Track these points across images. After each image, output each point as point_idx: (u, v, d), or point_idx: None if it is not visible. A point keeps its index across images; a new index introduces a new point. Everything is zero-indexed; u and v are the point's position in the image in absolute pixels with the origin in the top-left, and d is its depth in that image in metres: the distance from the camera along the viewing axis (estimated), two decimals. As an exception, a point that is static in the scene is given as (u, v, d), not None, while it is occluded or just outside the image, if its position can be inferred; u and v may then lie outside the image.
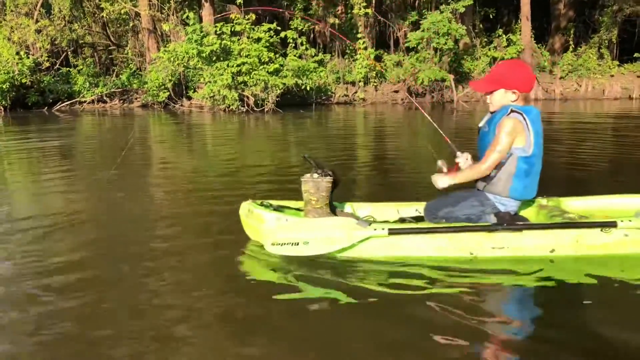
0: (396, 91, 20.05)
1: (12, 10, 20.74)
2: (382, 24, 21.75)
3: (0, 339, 2.41)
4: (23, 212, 4.63)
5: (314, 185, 3.39)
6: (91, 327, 2.47)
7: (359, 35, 20.41)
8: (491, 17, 22.58)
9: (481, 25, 22.59)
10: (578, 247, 3.06)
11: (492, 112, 3.33)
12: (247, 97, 16.63)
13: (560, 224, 3.11)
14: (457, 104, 18.20)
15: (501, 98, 3.26)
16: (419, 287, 2.79)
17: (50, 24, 20.83)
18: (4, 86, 17.92)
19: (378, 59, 20.59)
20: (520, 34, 20.21)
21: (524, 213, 3.45)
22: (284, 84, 16.77)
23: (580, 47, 21.57)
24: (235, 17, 17.97)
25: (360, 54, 19.86)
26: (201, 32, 16.81)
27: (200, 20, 18.63)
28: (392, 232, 3.10)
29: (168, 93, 18.46)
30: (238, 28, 17.48)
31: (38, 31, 20.22)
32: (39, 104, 19.46)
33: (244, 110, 16.58)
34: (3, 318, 2.58)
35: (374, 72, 19.87)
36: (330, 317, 2.55)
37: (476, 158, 3.39)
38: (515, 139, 3.14)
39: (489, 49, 20.48)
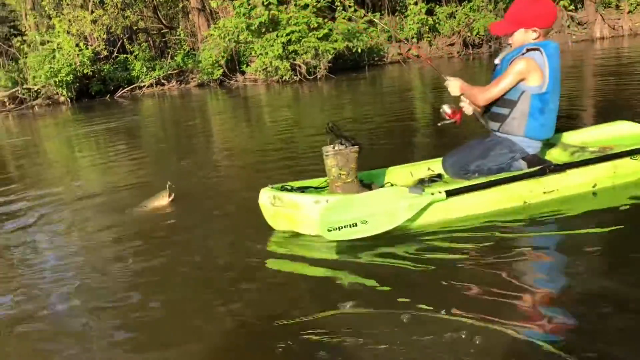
0: (451, 44, 19.40)
1: (68, 4, 21.42)
2: (431, -24, 20.95)
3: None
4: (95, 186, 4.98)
5: (343, 157, 3.07)
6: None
7: (409, -10, 19.78)
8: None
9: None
10: (615, 178, 3.15)
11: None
12: (299, 66, 16.56)
13: (597, 158, 3.12)
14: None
15: (522, 38, 3.14)
16: (483, 251, 2.60)
17: (104, 13, 21.40)
18: (68, 78, 18.66)
19: (430, 12, 19.90)
20: (581, -30, 18.96)
21: (539, 154, 3.34)
22: (335, 48, 16.56)
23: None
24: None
25: (410, 9, 19.28)
26: (249, 4, 16.79)
27: (247, -7, 18.58)
28: (450, 193, 2.92)
29: (222, 70, 18.67)
30: (285, -4, 17.33)
31: (94, 21, 20.82)
32: (102, 92, 20.18)
33: (297, 79, 16.54)
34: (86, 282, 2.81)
35: (427, 27, 19.26)
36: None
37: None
38: (528, 78, 3.05)
39: (548, -10, 19.35)
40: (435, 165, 3.57)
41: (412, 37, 19.59)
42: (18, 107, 19.35)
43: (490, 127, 3.30)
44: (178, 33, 24.16)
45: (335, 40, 16.76)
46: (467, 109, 3.38)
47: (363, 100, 10.70)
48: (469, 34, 18.48)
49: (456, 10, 19.45)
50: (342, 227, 2.78)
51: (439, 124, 3.42)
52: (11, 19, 28.91)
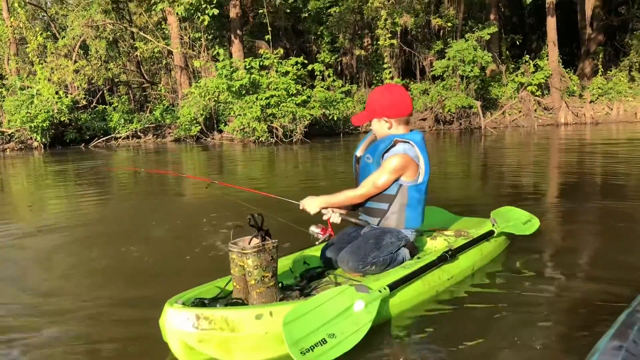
0: (423, 119, 20.12)
1: (52, 53, 21.69)
2: (407, 54, 21.99)
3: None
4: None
5: (267, 255, 2.52)
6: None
7: (385, 66, 20.66)
8: (518, 43, 22.60)
9: (507, 52, 22.61)
10: (483, 259, 3.50)
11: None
12: (276, 129, 16.93)
13: (472, 241, 3.41)
14: (484, 130, 18.15)
15: (379, 128, 3.12)
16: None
17: (87, 64, 21.71)
18: (44, 124, 18.64)
19: (405, 88, 20.72)
20: (547, 59, 20.16)
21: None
22: (312, 114, 17.07)
23: (611, 70, 21.36)
24: (263, 52, 18.45)
25: (386, 83, 20.06)
26: (231, 67, 17.31)
27: (230, 56, 19.17)
28: (392, 287, 2.74)
29: (200, 127, 18.94)
30: (266, 63, 17.92)
31: (76, 71, 21.07)
32: (77, 140, 20.15)
33: (273, 141, 16.87)
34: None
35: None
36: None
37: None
38: (404, 174, 3.01)
39: (516, 75, 20.45)
40: (310, 259, 3.27)
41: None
42: (-11, 148, 19.16)
43: (371, 223, 3.16)
44: (159, 88, 24.55)
45: (313, 107, 17.29)
46: (335, 217, 3.11)
47: (329, 166, 10.98)
48: (440, 110, 19.24)
49: (430, 88, 20.31)
50: (313, 347, 2.27)
51: (317, 244, 3.15)
52: (-8, 63, 29.01)
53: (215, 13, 18.50)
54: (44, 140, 19.09)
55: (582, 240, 4.37)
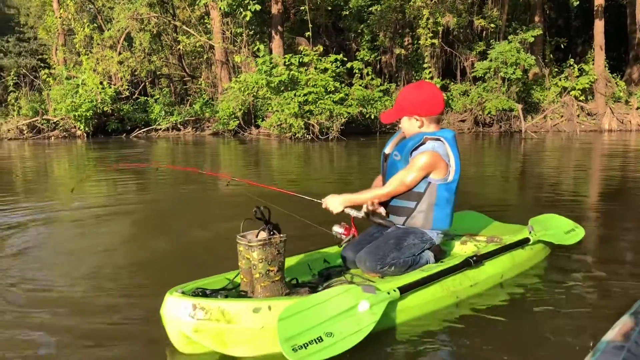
0: (462, 120, 19.87)
1: (98, 44, 22.26)
2: (448, 54, 21.73)
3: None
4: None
5: (273, 249, 2.50)
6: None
7: (425, 65, 20.48)
8: (562, 46, 22.09)
9: (551, 55, 22.11)
10: (514, 267, 3.27)
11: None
12: (313, 126, 16.99)
13: (502, 248, 3.21)
14: (525, 134, 17.80)
15: (408, 126, 3.03)
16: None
17: (131, 56, 22.20)
18: (87, 114, 19.17)
19: (444, 88, 20.52)
20: (593, 64, 19.63)
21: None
22: (349, 112, 17.06)
23: (660, 76, 20.70)
24: (303, 49, 18.53)
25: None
26: (270, 63, 17.44)
27: (270, 52, 19.31)
28: (403, 289, 2.60)
29: (238, 122, 19.14)
30: (306, 59, 17.98)
31: (120, 63, 21.57)
32: (118, 130, 20.65)
33: (309, 138, 16.92)
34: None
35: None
36: None
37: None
38: (432, 172, 2.93)
39: (560, 79, 19.99)
40: (331, 257, 3.22)
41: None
42: (35, 136, 19.81)
43: (396, 223, 3.05)
44: (199, 82, 24.90)
45: (350, 105, 17.28)
46: (357, 214, 3.01)
47: (364, 163, 10.94)
48: (480, 112, 18.97)
49: (470, 89, 20.03)
50: (307, 344, 2.18)
51: (339, 245, 3.08)
52: (40, 52, 29.97)
53: (258, 9, 18.65)
54: (87, 129, 19.64)
55: (628, 253, 4.08)
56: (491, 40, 20.32)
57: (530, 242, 3.41)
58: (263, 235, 2.51)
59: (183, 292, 2.36)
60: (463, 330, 2.64)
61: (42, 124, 20.05)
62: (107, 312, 2.90)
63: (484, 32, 21.31)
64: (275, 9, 19.86)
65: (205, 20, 23.60)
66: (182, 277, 2.70)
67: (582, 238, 3.90)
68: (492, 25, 20.52)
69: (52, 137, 19.78)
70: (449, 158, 2.94)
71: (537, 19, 20.64)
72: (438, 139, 2.94)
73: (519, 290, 3.12)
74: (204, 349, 2.32)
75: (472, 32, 21.98)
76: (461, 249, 3.35)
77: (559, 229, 3.83)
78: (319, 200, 3.05)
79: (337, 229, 3.01)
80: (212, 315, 2.25)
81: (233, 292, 2.60)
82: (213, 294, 2.47)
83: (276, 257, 2.50)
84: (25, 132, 20.01)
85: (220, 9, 19.45)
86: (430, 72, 20.44)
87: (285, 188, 3.53)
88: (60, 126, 20.06)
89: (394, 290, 2.55)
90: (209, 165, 11.05)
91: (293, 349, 2.13)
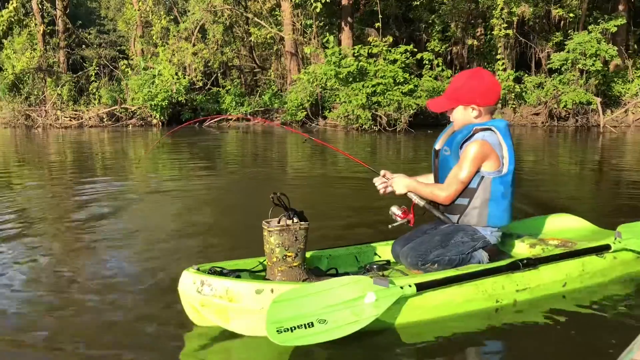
0: (536, 114, 19.20)
1: (174, 35, 23.06)
2: (523, 45, 21.00)
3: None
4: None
5: (291, 235, 2.56)
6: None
7: (498, 57, 19.88)
8: (648, 36, 20.86)
9: (636, 46, 20.91)
10: (583, 277, 2.89)
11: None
12: (380, 117, 16.92)
13: (567, 253, 2.86)
14: (604, 128, 16.97)
15: (462, 116, 2.85)
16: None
17: (205, 47, 22.85)
18: (163, 103, 19.95)
19: (518, 80, 19.88)
20: (682, 55, 18.45)
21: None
22: (417, 104, 16.85)
23: None
24: (372, 39, 18.45)
25: (498, 75, 19.34)
26: (340, 54, 17.48)
27: (340, 44, 19.35)
28: (420, 287, 2.46)
29: (305, 112, 19.35)
30: (375, 50, 17.89)
31: (194, 54, 22.26)
32: (191, 119, 21.32)
33: (377, 129, 16.87)
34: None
35: (513, 94, 19.20)
36: None
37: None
38: (484, 163, 2.75)
39: (644, 71, 18.91)
40: (383, 250, 3.16)
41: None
42: (114, 124, 20.82)
43: (451, 220, 2.90)
44: (269, 73, 25.31)
45: (419, 97, 17.06)
46: (420, 201, 2.91)
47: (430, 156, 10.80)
48: (555, 105, 18.25)
49: (545, 81, 19.31)
50: (294, 328, 2.18)
51: (390, 227, 2.96)
52: (119, 44, 31.39)
53: (328, 0, 18.71)
54: (162, 118, 20.42)
55: None
56: (569, 31, 19.47)
57: (611, 250, 2.99)
58: (284, 221, 2.59)
59: (198, 269, 2.53)
60: (491, 337, 2.46)
61: (120, 113, 21.03)
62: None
63: (562, 22, 20.42)
64: (345, 0, 19.87)
65: (276, 12, 23.92)
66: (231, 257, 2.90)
67: None
68: (571, 14, 19.62)
69: (130, 125, 20.71)
70: (501, 148, 2.76)
71: (621, 7, 19.56)
72: (489, 129, 2.78)
73: (581, 303, 2.76)
74: (214, 323, 2.46)
75: (548, 22, 21.12)
76: (525, 252, 3.07)
77: None
78: (378, 172, 3.05)
79: (394, 210, 2.95)
80: (217, 292, 2.39)
81: (255, 274, 2.74)
82: (230, 273, 2.60)
83: (294, 244, 2.58)
84: (105, 120, 21.05)
85: (290, 0, 19.66)
86: (503, 63, 19.83)
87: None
88: (138, 115, 20.96)
89: (409, 286, 2.42)
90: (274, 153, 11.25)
91: (277, 331, 2.17)
